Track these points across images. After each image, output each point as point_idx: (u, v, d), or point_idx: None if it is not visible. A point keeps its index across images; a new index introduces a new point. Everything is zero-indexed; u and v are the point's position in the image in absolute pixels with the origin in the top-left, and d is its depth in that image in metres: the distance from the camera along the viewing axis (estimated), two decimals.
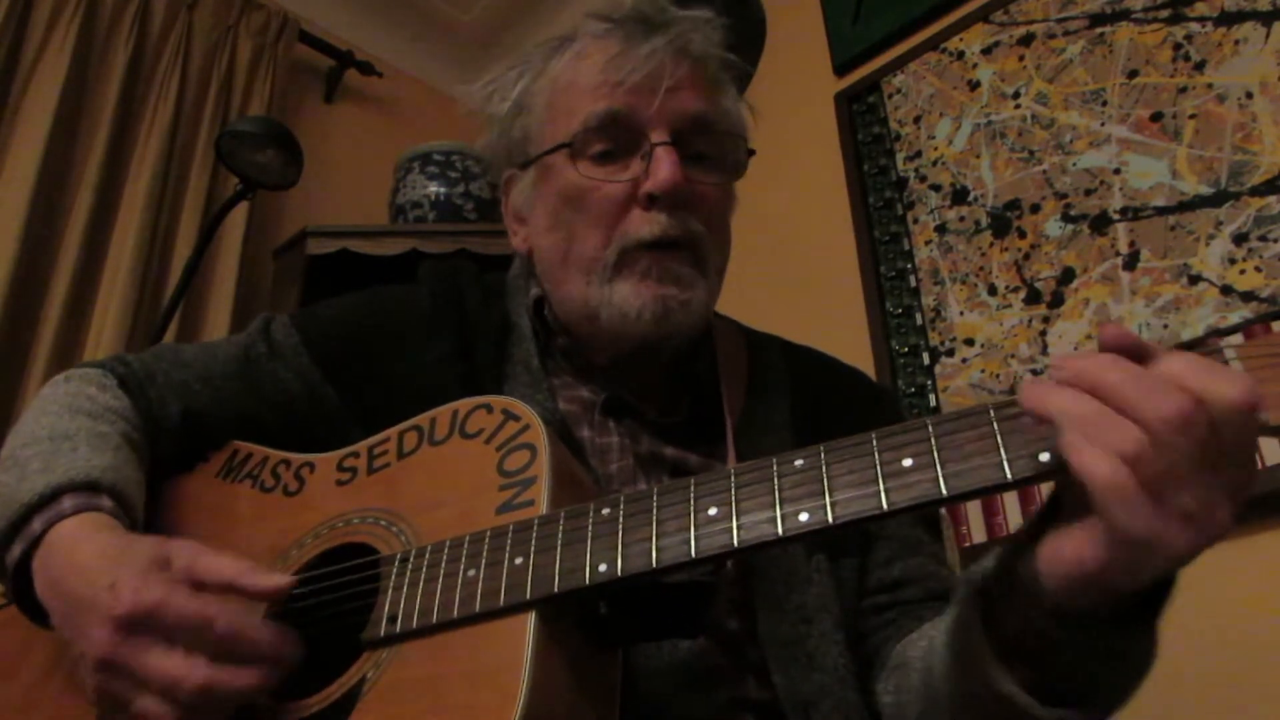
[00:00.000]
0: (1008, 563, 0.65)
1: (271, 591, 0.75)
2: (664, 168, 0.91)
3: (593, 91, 0.95)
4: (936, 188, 2.12)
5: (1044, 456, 0.58)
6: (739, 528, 0.65)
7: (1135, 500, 0.53)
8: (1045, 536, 0.60)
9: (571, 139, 0.95)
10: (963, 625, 0.69)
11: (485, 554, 0.73)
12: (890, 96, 2.28)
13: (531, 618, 0.69)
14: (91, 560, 0.76)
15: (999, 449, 0.60)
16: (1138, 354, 0.57)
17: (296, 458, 0.95)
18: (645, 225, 0.92)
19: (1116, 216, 1.82)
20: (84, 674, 0.74)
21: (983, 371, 1.91)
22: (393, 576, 0.77)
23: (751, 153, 1.03)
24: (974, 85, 2.13)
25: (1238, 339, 0.58)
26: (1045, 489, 1.56)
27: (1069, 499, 0.59)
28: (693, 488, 0.69)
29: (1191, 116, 1.77)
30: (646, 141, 0.93)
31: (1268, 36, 1.72)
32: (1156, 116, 1.82)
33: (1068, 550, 0.57)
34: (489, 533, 0.75)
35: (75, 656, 0.76)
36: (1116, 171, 1.84)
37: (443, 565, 0.75)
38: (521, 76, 1.03)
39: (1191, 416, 0.53)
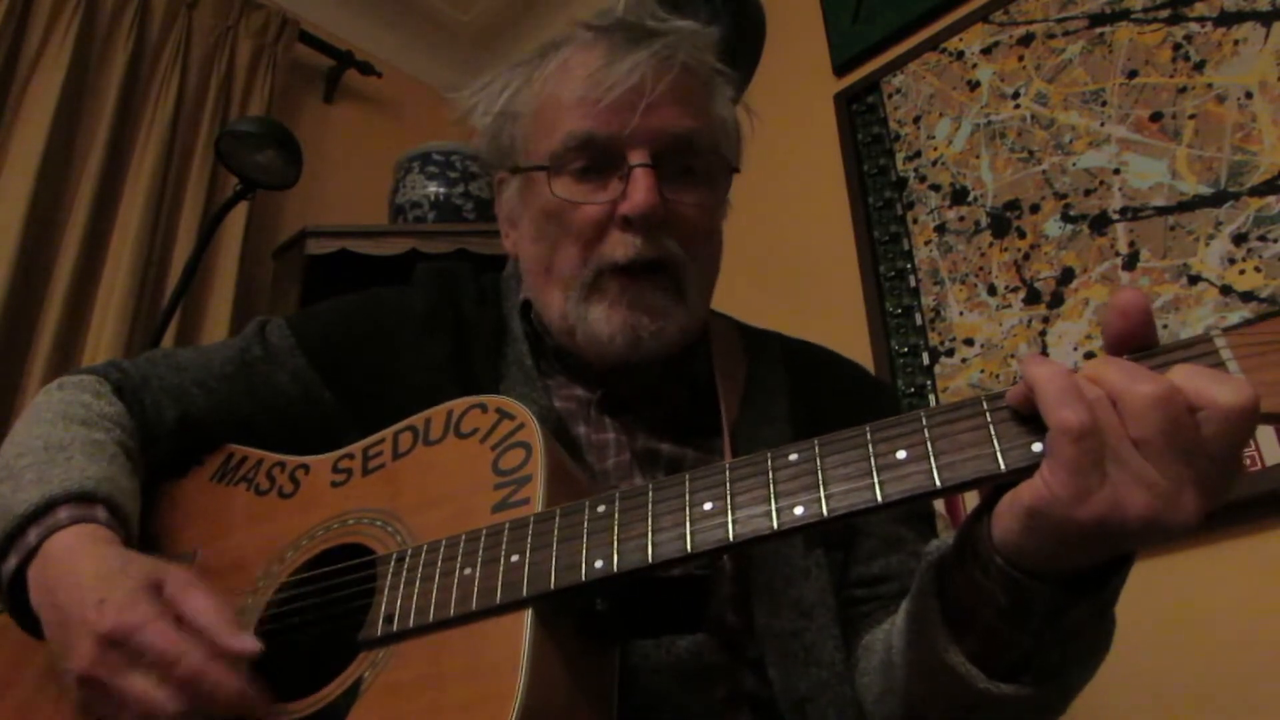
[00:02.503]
0: (965, 531, 0.67)
1: (237, 652, 0.73)
2: (639, 191, 0.90)
3: (573, 109, 0.94)
4: (936, 188, 2.12)
5: (1037, 447, 0.59)
6: (734, 522, 0.66)
7: (1092, 438, 0.55)
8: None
9: (550, 160, 0.94)
10: (917, 596, 0.71)
11: (481, 552, 0.73)
12: (890, 96, 2.28)
13: (528, 615, 0.69)
14: (86, 575, 0.76)
15: (992, 440, 0.60)
16: (1143, 325, 0.59)
17: (292, 460, 0.95)
18: (620, 247, 0.92)
19: (1116, 216, 1.81)
20: (68, 686, 0.75)
21: (982, 372, 1.91)
22: (389, 576, 0.77)
23: (735, 170, 1.02)
24: (974, 85, 2.12)
25: (1230, 330, 0.58)
26: None
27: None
28: (688, 483, 0.69)
29: (1191, 116, 1.77)
30: (625, 162, 0.92)
31: (1267, 36, 1.72)
32: (1156, 116, 1.82)
33: (1022, 490, 0.59)
34: (485, 531, 0.75)
35: (61, 670, 0.76)
36: (1116, 171, 1.84)
37: (439, 564, 0.75)
38: (509, 85, 1.02)
39: (1168, 398, 0.54)
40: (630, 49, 0.93)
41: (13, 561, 0.82)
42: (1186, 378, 0.55)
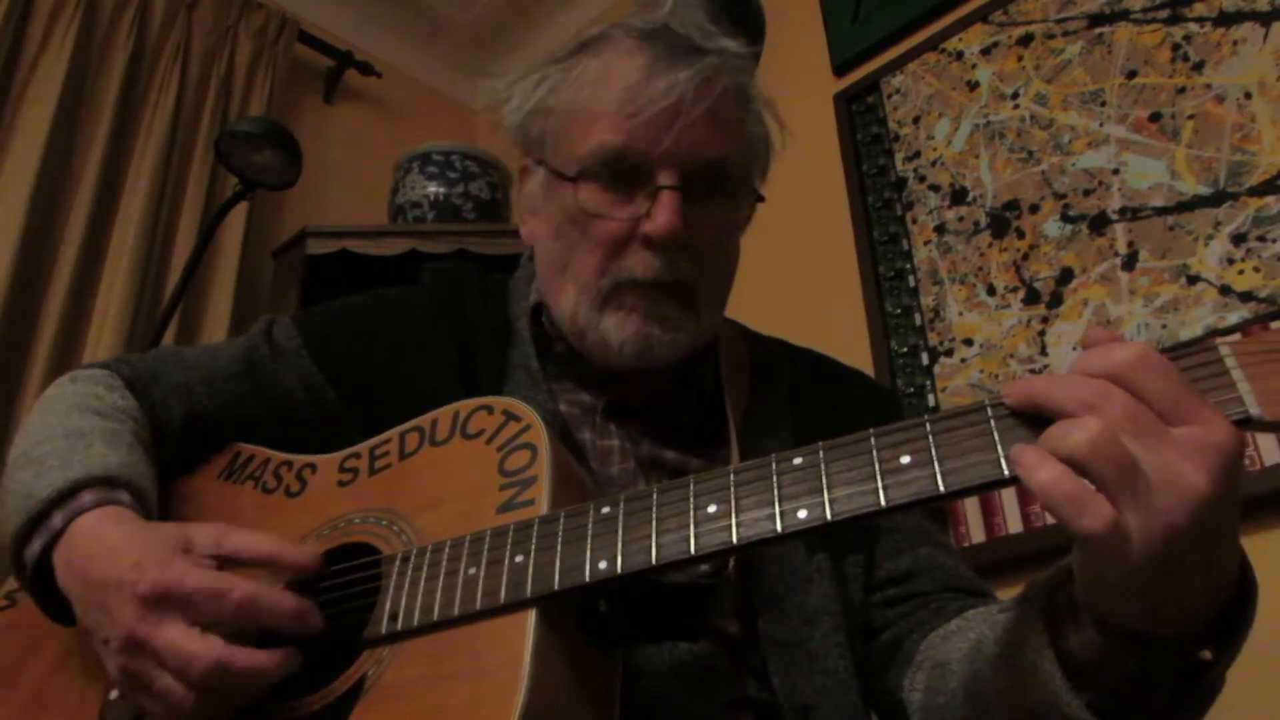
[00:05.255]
0: (1066, 579, 0.64)
1: (305, 565, 0.79)
2: (663, 214, 0.90)
3: (607, 119, 0.93)
4: (935, 188, 2.13)
5: None
6: (738, 525, 0.66)
7: (1084, 498, 0.54)
8: None
9: (579, 170, 0.94)
10: (1025, 641, 0.67)
11: (486, 553, 0.74)
12: (889, 97, 2.28)
13: (532, 616, 0.69)
14: (117, 545, 0.78)
15: (996, 445, 0.60)
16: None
17: (298, 459, 0.95)
18: (640, 265, 0.92)
19: (1115, 217, 1.82)
20: (108, 657, 0.76)
21: (981, 372, 1.92)
22: (394, 575, 0.78)
23: (760, 198, 1.02)
24: (973, 85, 2.13)
25: (1235, 338, 0.58)
26: None
27: None
28: (692, 486, 0.69)
29: (1190, 117, 1.78)
30: (653, 181, 0.92)
31: (1266, 37, 1.72)
32: (1155, 117, 1.82)
33: (1073, 560, 0.58)
34: (490, 532, 0.75)
35: (99, 642, 0.77)
36: (1115, 172, 1.84)
37: (444, 564, 0.75)
38: (545, 80, 1.00)
39: (1106, 390, 0.54)
40: (672, 65, 0.92)
41: (37, 545, 0.82)
42: (1086, 365, 0.57)
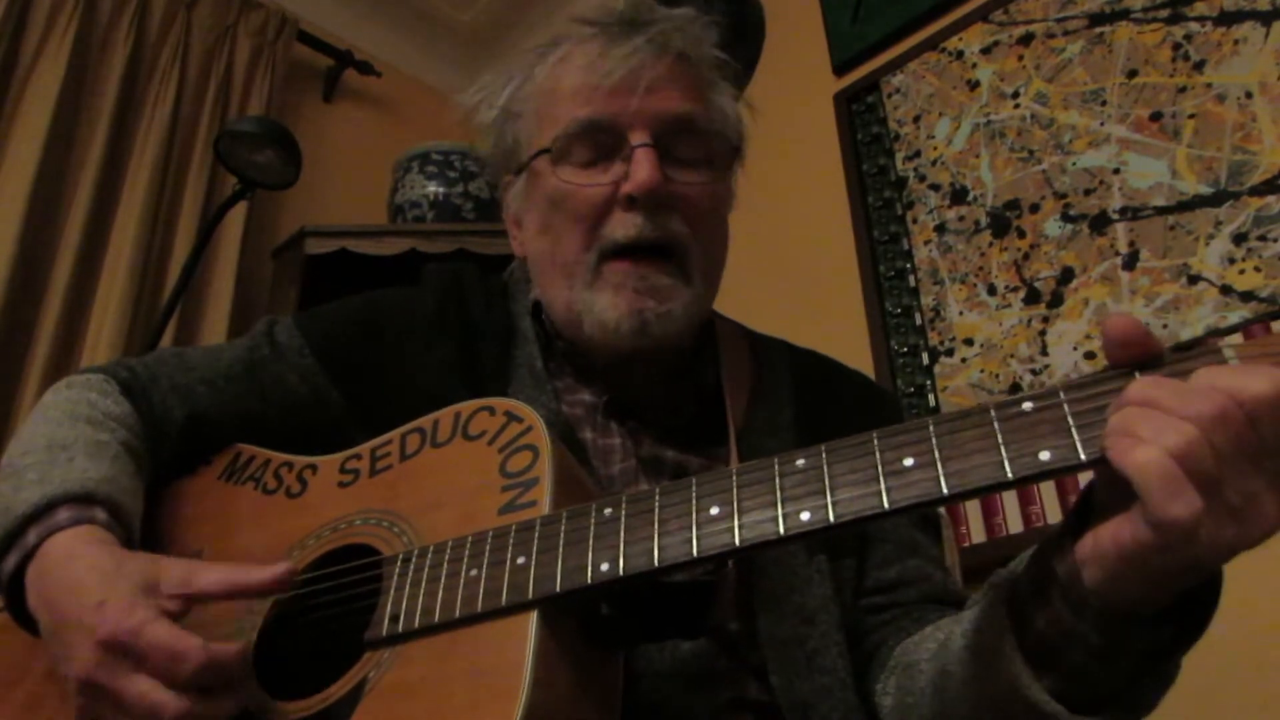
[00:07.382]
0: (1041, 563, 0.65)
1: (274, 580, 0.76)
2: (642, 169, 0.91)
3: (573, 96, 0.95)
4: (936, 187, 2.12)
5: (1044, 455, 0.58)
6: (740, 527, 0.66)
7: (1179, 484, 0.53)
8: (1083, 534, 0.60)
9: (551, 145, 0.95)
10: (988, 628, 0.68)
11: (487, 554, 0.74)
12: (889, 96, 2.28)
13: (533, 617, 0.69)
14: (84, 577, 0.76)
15: (999, 448, 0.60)
16: (1145, 347, 0.58)
17: (299, 460, 0.95)
18: (622, 227, 0.92)
19: (1116, 216, 1.82)
20: (69, 691, 0.75)
21: (982, 371, 1.92)
22: (395, 577, 0.78)
23: (738, 150, 1.02)
24: (973, 85, 2.13)
25: (1237, 339, 0.58)
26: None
27: (1101, 501, 0.60)
28: (695, 487, 0.69)
29: (1191, 116, 1.78)
30: (627, 144, 0.93)
31: (1267, 36, 1.72)
32: (1156, 116, 1.82)
33: (1106, 536, 0.58)
34: (491, 533, 0.75)
35: (61, 674, 0.76)
36: (1116, 171, 1.84)
37: (445, 565, 0.75)
38: (509, 83, 1.03)
39: (1228, 413, 0.53)
40: (627, 37, 0.94)
41: (12, 561, 0.82)
42: (1216, 381, 0.55)
